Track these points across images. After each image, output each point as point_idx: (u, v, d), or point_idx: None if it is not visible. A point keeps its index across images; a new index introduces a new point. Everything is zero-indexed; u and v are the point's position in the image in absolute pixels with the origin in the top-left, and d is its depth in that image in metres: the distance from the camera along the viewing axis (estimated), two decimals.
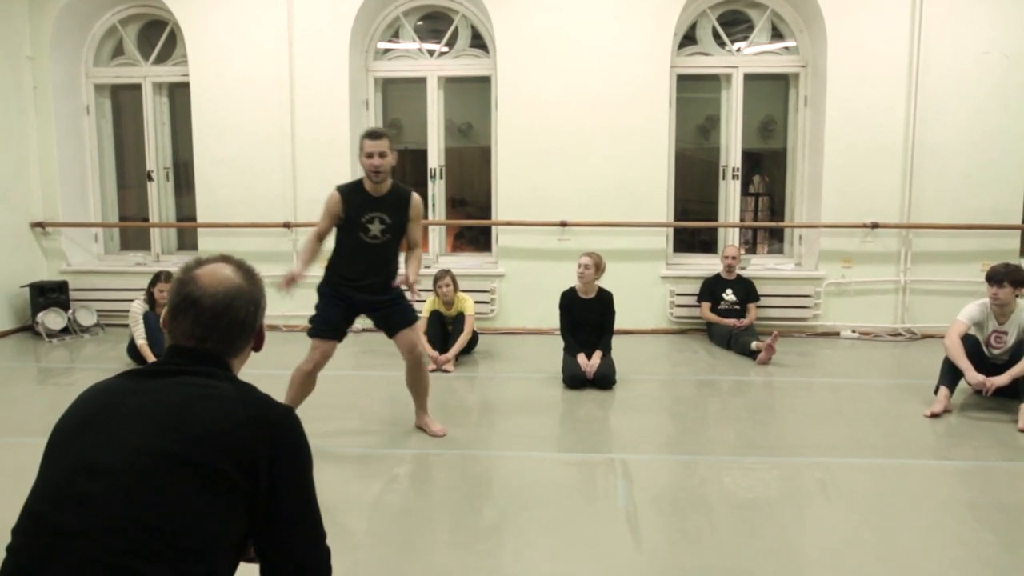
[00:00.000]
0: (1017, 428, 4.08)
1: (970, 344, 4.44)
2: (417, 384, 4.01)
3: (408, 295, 3.78)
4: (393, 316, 3.84)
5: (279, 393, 1.43)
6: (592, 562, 2.65)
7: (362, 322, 6.68)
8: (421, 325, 5.67)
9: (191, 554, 1.20)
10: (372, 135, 3.62)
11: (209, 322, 1.41)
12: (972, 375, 4.29)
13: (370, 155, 3.59)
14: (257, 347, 1.54)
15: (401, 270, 3.81)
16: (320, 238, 3.78)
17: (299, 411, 1.42)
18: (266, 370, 5.17)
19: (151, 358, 5.26)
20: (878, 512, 3.08)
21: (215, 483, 1.24)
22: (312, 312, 3.81)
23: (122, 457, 1.24)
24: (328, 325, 3.79)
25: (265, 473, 1.29)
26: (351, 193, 3.73)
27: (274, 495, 1.30)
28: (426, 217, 7.21)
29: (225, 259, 1.49)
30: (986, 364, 4.42)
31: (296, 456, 1.36)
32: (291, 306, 6.98)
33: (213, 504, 1.24)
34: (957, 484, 3.42)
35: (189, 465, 1.24)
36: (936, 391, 4.46)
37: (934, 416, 4.31)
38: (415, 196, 3.81)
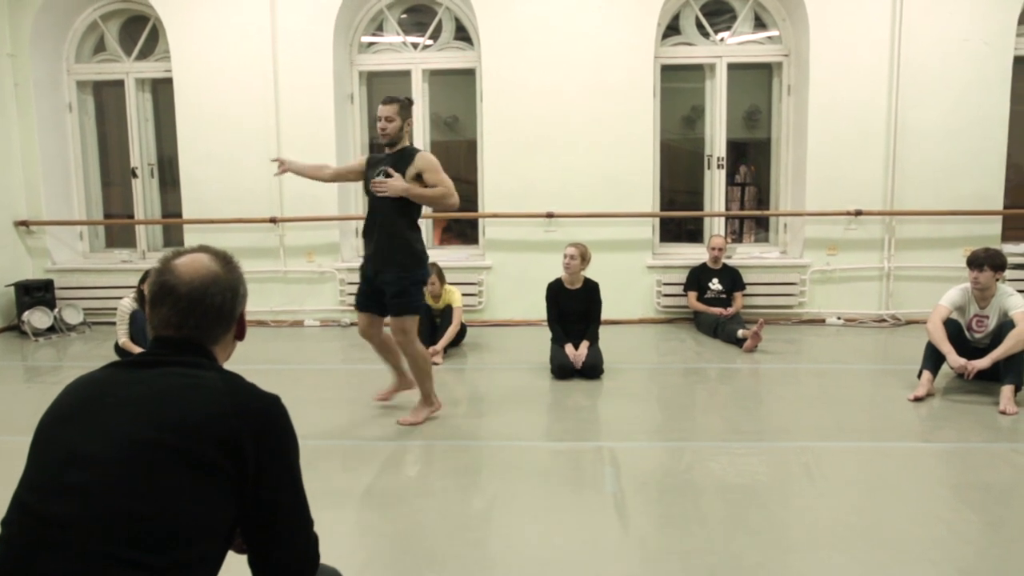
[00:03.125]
0: (998, 410, 4.14)
1: (952, 328, 4.49)
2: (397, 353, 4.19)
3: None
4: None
5: (266, 386, 1.44)
6: (581, 548, 2.68)
7: (350, 316, 6.77)
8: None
9: (180, 542, 1.22)
10: (384, 100, 3.86)
11: (185, 308, 1.41)
12: (954, 359, 4.34)
13: (378, 119, 3.86)
14: (239, 336, 1.55)
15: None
16: (329, 169, 4.25)
17: (289, 404, 1.42)
18: (256, 365, 5.20)
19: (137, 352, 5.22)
20: (862, 494, 3.13)
21: (202, 471, 1.25)
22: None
23: (109, 446, 1.25)
24: (357, 296, 4.08)
25: (252, 461, 1.30)
26: (373, 156, 4.06)
27: (261, 483, 1.31)
28: None
29: (204, 249, 1.50)
30: (968, 348, 4.47)
31: (282, 444, 1.37)
32: (278, 301, 7.04)
33: (201, 492, 1.25)
34: (939, 466, 3.47)
35: (176, 453, 1.25)
36: (919, 375, 4.52)
37: (917, 400, 4.37)
38: (421, 151, 3.94)
